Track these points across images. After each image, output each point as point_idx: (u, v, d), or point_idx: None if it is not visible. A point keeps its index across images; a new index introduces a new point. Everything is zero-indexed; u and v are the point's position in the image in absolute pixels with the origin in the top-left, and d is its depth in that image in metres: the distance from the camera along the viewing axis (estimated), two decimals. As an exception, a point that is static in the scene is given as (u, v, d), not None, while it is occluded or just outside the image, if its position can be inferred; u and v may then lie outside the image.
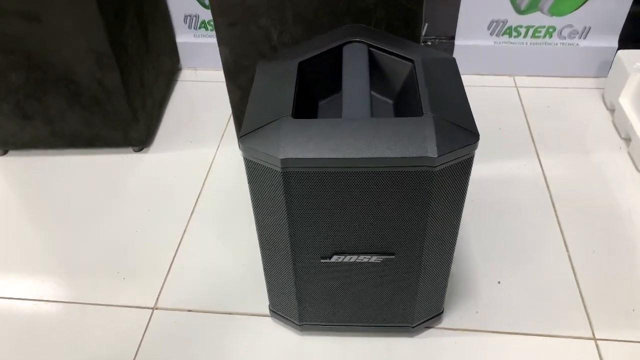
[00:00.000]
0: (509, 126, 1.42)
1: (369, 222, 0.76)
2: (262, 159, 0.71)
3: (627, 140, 1.35)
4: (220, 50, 1.14)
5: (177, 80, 1.65)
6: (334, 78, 0.87)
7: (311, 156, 0.69)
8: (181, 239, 1.17)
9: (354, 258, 0.82)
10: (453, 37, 1.56)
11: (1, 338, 1.00)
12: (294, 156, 0.69)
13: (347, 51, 0.86)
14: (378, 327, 0.95)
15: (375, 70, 0.87)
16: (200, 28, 1.63)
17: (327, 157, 0.69)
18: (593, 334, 0.97)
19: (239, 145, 0.73)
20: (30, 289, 1.09)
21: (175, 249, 1.15)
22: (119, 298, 1.06)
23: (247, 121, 0.75)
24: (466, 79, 1.58)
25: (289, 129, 0.71)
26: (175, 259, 1.13)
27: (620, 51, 1.41)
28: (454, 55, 1.58)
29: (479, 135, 0.71)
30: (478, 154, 1.34)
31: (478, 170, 1.29)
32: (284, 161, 0.69)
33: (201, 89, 1.62)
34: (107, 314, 1.03)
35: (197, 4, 1.58)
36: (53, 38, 1.17)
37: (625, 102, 1.36)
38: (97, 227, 1.20)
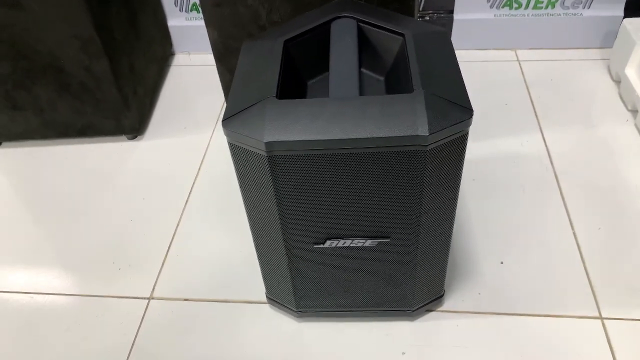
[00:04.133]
0: (511, 101, 1.38)
1: (361, 205, 0.74)
2: (247, 142, 0.68)
3: (634, 112, 1.30)
4: (208, 32, 1.11)
5: (170, 65, 1.62)
6: (322, 56, 0.83)
7: (297, 138, 0.66)
8: (176, 227, 1.15)
9: (348, 242, 0.79)
10: (452, 11, 1.51)
11: (-3, 332, 1.00)
12: (278, 139, 0.66)
13: (335, 27, 0.82)
14: (377, 312, 0.93)
15: (366, 46, 0.83)
16: (191, 11, 1.59)
17: (313, 139, 0.65)
18: (599, 313, 0.94)
19: (222, 129, 0.70)
20: (26, 282, 1.07)
21: (171, 237, 1.13)
22: (114, 288, 1.04)
23: (230, 104, 0.72)
24: (466, 54, 1.53)
25: (273, 111, 0.68)
26: (170, 247, 1.11)
27: (626, 20, 1.35)
28: (454, 30, 1.53)
29: (472, 110, 0.67)
30: (479, 131, 1.30)
31: (479, 148, 1.26)
32: (269, 144, 0.66)
33: (195, 73, 1.59)
34: (103, 305, 1.02)
35: (187, -15, 1.54)
36: (37, 25, 1.14)
37: (631, 72, 1.31)
38: (91, 217, 1.19)
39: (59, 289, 1.05)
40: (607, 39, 1.50)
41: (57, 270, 1.09)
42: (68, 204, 1.22)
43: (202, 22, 1.60)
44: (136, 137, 1.38)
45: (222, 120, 0.70)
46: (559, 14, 1.48)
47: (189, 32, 1.62)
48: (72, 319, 1.00)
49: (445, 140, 0.67)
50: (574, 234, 1.06)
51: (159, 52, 1.54)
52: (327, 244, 0.79)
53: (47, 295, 1.05)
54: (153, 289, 1.04)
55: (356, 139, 0.65)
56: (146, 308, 1.01)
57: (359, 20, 0.83)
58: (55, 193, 1.25)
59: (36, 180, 1.29)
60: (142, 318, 0.99)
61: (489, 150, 1.25)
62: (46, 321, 1.00)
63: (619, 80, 1.38)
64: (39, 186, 1.27)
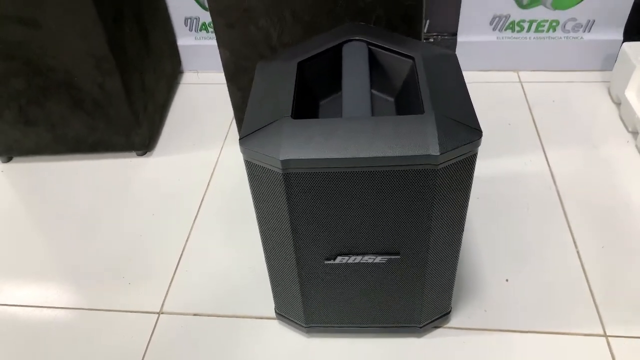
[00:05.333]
0: (514, 122, 1.41)
1: (373, 222, 0.75)
2: (263, 160, 0.70)
3: (635, 133, 1.33)
4: (220, 52, 1.14)
5: (179, 83, 1.65)
6: (334, 77, 0.86)
7: (311, 157, 0.68)
8: (186, 243, 1.16)
9: (358, 259, 0.81)
10: (455, 34, 1.55)
11: (8, 345, 1.00)
12: (294, 157, 0.68)
13: (346, 49, 0.85)
14: (385, 328, 0.94)
15: (376, 68, 0.86)
16: (201, 30, 1.63)
17: (327, 157, 0.68)
18: (604, 331, 0.95)
19: (239, 147, 0.72)
20: (36, 296, 1.08)
21: (180, 252, 1.15)
22: (124, 303, 1.06)
23: (246, 123, 0.74)
24: (469, 75, 1.57)
25: (289, 130, 0.70)
26: (180, 262, 1.12)
27: (625, 43, 1.39)
28: (457, 52, 1.56)
29: (481, 132, 0.70)
30: (483, 151, 1.32)
31: (484, 167, 1.28)
32: (285, 162, 0.68)
33: (203, 91, 1.62)
34: (112, 320, 1.03)
35: (197, 6, 1.57)
36: (52, 43, 1.17)
37: (631, 95, 1.35)
38: (101, 232, 1.20)
39: (69, 303, 1.07)
40: (608, 62, 1.53)
41: (67, 284, 1.10)
42: (78, 218, 1.24)
43: (211, 42, 1.63)
44: (146, 153, 1.40)
45: (239, 139, 0.72)
46: (560, 37, 1.52)
47: (198, 51, 1.65)
48: (82, 333, 1.01)
49: (455, 160, 0.69)
50: (578, 252, 1.08)
51: (169, 69, 1.57)
52: (338, 260, 0.81)
53: (57, 309, 1.06)
54: (163, 303, 1.05)
55: (369, 157, 0.68)
56: (156, 323, 1.02)
57: (369, 43, 0.86)
58: (65, 208, 1.27)
59: (47, 194, 1.31)
60: (152, 333, 1.00)
61: (493, 169, 1.27)
62: (56, 335, 1.01)
63: (619, 102, 1.41)
64: (49, 201, 1.29)
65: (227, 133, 1.45)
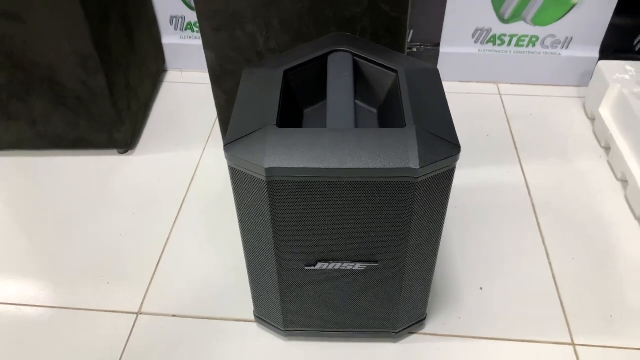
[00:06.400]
0: (492, 133, 1.44)
1: (353, 230, 0.77)
2: (247, 167, 0.72)
3: (607, 149, 1.37)
4: (205, 54, 1.14)
5: (162, 82, 1.65)
6: (318, 86, 0.87)
7: (295, 165, 0.69)
8: (166, 243, 1.17)
9: (337, 265, 0.83)
10: (438, 44, 1.58)
11: (-19, 343, 0.99)
12: (278, 165, 0.70)
13: (331, 60, 0.87)
14: (362, 333, 0.96)
15: (360, 79, 0.88)
16: (186, 29, 1.63)
17: (311, 166, 0.69)
18: (572, 340, 0.99)
19: (224, 153, 0.73)
20: (13, 293, 1.08)
21: (160, 252, 1.15)
22: (102, 303, 1.06)
23: (232, 129, 0.75)
24: (450, 86, 1.60)
25: (273, 138, 0.72)
26: (159, 263, 1.13)
27: (600, 62, 1.43)
28: (439, 62, 1.60)
29: (460, 147, 0.72)
30: (461, 160, 1.36)
31: (461, 176, 1.31)
32: (269, 170, 0.70)
33: (187, 90, 1.62)
34: (90, 319, 1.03)
35: (183, 5, 1.57)
36: (36, 39, 1.16)
37: (604, 111, 1.39)
38: (80, 230, 1.20)
39: (47, 301, 1.06)
40: (583, 78, 1.58)
41: (45, 282, 1.10)
42: (57, 215, 1.23)
43: (195, 41, 1.63)
44: (127, 151, 1.40)
45: (224, 145, 0.73)
46: (539, 52, 1.56)
47: (182, 50, 1.65)
48: (59, 332, 1.01)
49: (434, 174, 0.71)
50: (549, 262, 1.12)
51: (153, 68, 1.57)
52: (318, 266, 0.83)
53: (34, 307, 1.05)
54: (141, 304, 1.05)
55: (351, 168, 0.69)
56: (134, 323, 1.02)
57: (354, 54, 0.88)
58: (44, 204, 1.26)
59: (25, 190, 1.29)
60: (130, 333, 1.00)
61: (470, 179, 1.31)
62: (33, 333, 1.01)
63: (593, 118, 1.46)
64: (28, 196, 1.28)
65: (210, 133, 1.46)
